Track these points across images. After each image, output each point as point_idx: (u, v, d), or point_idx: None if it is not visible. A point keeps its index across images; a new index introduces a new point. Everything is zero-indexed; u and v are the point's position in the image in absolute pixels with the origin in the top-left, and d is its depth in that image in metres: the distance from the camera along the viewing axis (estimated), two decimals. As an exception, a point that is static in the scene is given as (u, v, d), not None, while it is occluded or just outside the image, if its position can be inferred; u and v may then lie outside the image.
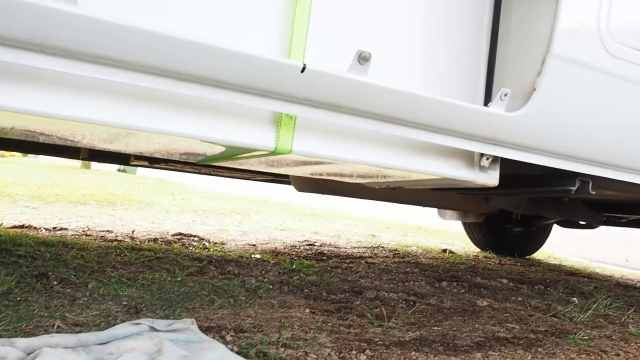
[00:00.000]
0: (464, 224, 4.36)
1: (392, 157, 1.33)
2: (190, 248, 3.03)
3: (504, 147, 1.36)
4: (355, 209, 7.61)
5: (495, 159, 1.43)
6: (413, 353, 1.58)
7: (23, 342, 1.21)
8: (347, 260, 3.18)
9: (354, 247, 3.84)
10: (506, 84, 1.32)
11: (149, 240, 3.13)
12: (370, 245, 4.02)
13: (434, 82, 1.36)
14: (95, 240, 2.90)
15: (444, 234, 5.44)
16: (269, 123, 1.20)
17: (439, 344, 1.69)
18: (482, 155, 1.41)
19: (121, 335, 1.41)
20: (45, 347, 1.17)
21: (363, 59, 1.09)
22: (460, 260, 3.73)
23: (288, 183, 3.98)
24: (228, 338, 1.55)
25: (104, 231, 3.25)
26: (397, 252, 3.79)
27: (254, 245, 3.46)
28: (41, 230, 3.04)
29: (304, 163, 1.51)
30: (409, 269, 3.07)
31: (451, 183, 1.54)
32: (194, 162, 1.63)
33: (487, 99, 1.40)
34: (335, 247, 3.73)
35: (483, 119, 1.27)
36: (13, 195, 5.00)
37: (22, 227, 3.10)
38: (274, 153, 1.23)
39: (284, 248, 3.45)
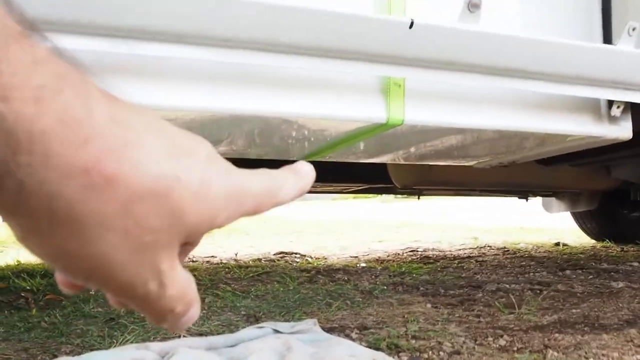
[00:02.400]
0: (574, 215, 4.08)
1: (509, 117, 1.23)
2: (294, 263, 3.00)
3: (636, 90, 1.22)
4: (447, 218, 7.39)
5: (626, 106, 1.29)
6: (556, 335, 1.44)
7: (157, 345, 1.20)
8: (456, 261, 3.04)
9: (459, 250, 3.68)
10: (628, 18, 1.19)
11: (253, 260, 3.13)
12: (475, 246, 3.84)
13: (542, 23, 1.25)
14: (202, 264, 2.94)
15: (550, 231, 5.13)
16: (377, 94, 1.14)
17: (582, 325, 1.54)
18: (611, 104, 1.28)
19: (247, 337, 1.37)
20: (179, 347, 1.15)
21: (473, 5, 1.02)
22: (577, 251, 3.48)
23: (379, 192, 3.90)
24: (353, 336, 1.48)
25: (208, 257, 3.30)
26: (506, 249, 3.59)
27: (356, 257, 3.39)
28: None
29: (411, 144, 1.44)
30: (524, 263, 2.89)
31: (577, 144, 1.41)
32: (296, 159, 1.60)
33: (605, 39, 1.27)
34: (439, 251, 3.60)
35: (610, 59, 1.15)
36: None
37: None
38: (385, 126, 1.16)
39: (388, 256, 3.36)
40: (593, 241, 4.09)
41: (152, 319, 0.26)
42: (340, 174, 2.59)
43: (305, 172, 0.32)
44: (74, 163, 0.20)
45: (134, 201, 0.21)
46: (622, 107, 1.27)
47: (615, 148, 1.53)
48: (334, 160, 1.65)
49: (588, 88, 1.17)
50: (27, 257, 3.27)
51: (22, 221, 0.21)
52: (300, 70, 1.04)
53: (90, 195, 0.20)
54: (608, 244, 3.83)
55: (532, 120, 1.25)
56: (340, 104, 1.10)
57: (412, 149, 1.45)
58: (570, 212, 4.02)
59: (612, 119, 1.29)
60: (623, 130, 1.31)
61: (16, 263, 2.83)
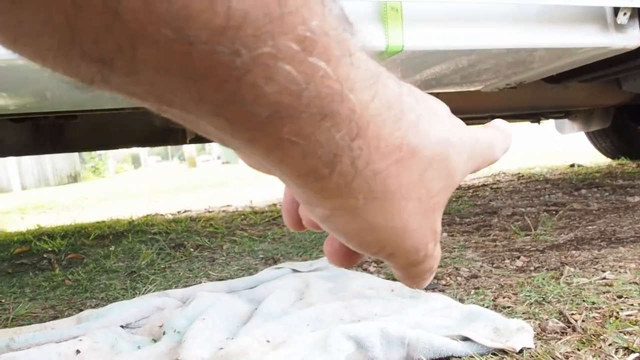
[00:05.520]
0: (589, 135, 4.02)
1: (513, 34, 1.19)
2: (310, 206, 3.02)
3: (643, -6, 1.18)
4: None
5: (633, 12, 1.25)
6: (573, 252, 1.45)
7: (177, 292, 1.22)
8: (470, 190, 3.03)
9: (473, 179, 3.67)
10: None
11: (268, 205, 3.16)
12: (490, 174, 3.83)
13: None
14: (218, 213, 2.97)
15: (565, 154, 5.09)
16: (374, 21, 1.10)
17: (598, 240, 1.54)
18: (616, 12, 1.24)
19: (267, 279, 1.39)
20: (199, 292, 1.17)
21: None
22: (593, 170, 3.46)
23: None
24: (371, 269, 1.50)
25: (224, 206, 3.33)
26: (520, 174, 3.58)
27: (370, 194, 3.39)
28: (167, 215, 3.16)
29: (416, 70, 1.41)
30: (539, 186, 2.88)
31: (584, 57, 1.37)
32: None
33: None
34: (453, 182, 3.59)
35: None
36: (136, 195, 5.28)
37: (149, 215, 3.24)
38: (385, 54, 1.13)
39: (402, 191, 3.36)
40: (609, 160, 4.05)
41: (411, 280, 0.28)
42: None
43: (509, 132, 0.32)
44: (391, 142, 0.22)
45: (427, 168, 0.23)
46: (628, 14, 1.22)
47: (624, 59, 1.49)
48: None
49: (592, -4, 1.12)
50: (46, 220, 3.33)
51: (338, 203, 0.23)
52: None
53: (400, 169, 0.22)
54: (624, 161, 3.79)
55: (537, 36, 1.21)
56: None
57: (417, 77, 1.43)
58: (584, 132, 3.96)
59: (619, 27, 1.25)
60: (631, 39, 1.27)
61: (36, 227, 2.88)
